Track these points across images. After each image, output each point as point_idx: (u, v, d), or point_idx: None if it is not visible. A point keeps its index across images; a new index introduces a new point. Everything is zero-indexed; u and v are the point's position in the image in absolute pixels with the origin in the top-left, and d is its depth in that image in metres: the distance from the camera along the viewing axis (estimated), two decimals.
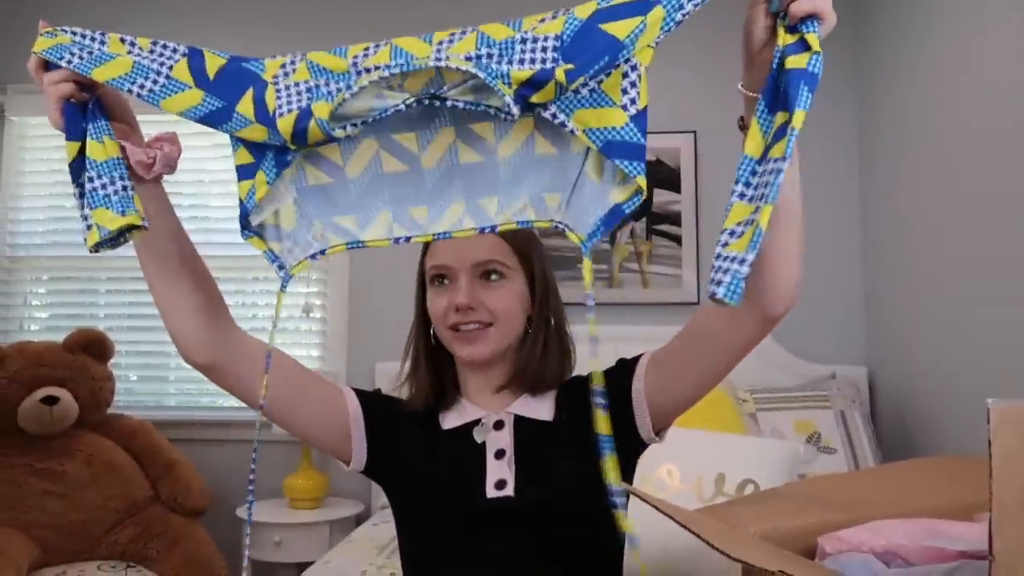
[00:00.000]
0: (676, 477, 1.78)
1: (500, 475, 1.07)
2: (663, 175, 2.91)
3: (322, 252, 0.89)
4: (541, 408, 1.14)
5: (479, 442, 1.10)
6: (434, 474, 1.11)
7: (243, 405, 3.29)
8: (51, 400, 2.36)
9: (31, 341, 2.59)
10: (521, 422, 1.12)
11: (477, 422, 1.13)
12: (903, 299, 2.46)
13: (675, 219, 2.89)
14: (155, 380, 3.10)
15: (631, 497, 0.97)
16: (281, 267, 0.89)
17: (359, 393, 1.16)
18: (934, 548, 0.76)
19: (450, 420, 1.15)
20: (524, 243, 1.14)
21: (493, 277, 1.10)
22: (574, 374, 1.19)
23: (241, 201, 0.89)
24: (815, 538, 0.97)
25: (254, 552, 2.60)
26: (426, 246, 1.15)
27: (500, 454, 1.09)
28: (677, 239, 2.88)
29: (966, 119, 2.03)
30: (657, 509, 0.81)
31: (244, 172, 0.92)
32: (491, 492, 1.06)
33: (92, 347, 2.55)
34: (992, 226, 1.90)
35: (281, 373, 1.06)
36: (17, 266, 3.16)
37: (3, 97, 3.12)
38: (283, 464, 2.90)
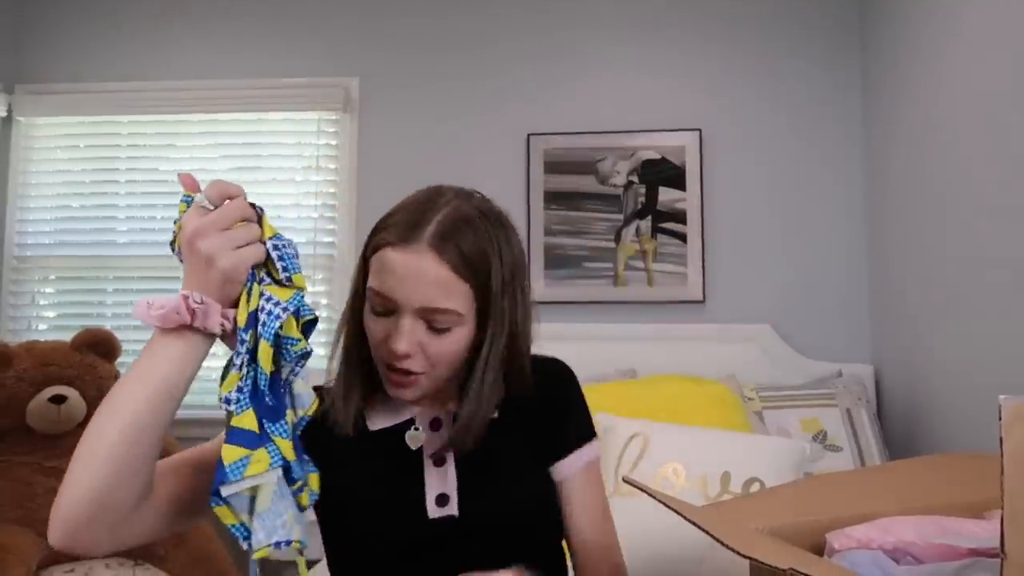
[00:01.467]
0: (682, 475, 1.78)
1: (441, 487, 0.98)
2: (668, 173, 2.90)
3: (287, 543, 0.81)
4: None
5: (414, 448, 1.00)
6: (364, 490, 0.98)
7: None
8: (59, 399, 2.37)
9: (39, 340, 2.60)
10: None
11: (410, 422, 1.02)
12: (909, 296, 2.46)
13: (680, 217, 2.89)
14: None
15: (627, 500, 0.97)
16: (249, 545, 0.80)
17: None
18: (944, 545, 0.76)
19: (378, 418, 1.03)
20: (484, 277, 0.94)
21: (439, 326, 0.93)
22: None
23: (222, 465, 0.76)
24: (823, 535, 0.97)
25: None
26: (372, 250, 0.98)
27: (439, 460, 1.00)
28: (682, 237, 2.88)
29: (974, 115, 2.03)
30: (665, 505, 0.81)
31: (240, 438, 0.79)
32: (432, 511, 0.97)
33: (99, 346, 2.55)
34: (999, 222, 1.90)
35: (181, 477, 0.90)
36: (25, 265, 3.17)
37: (11, 97, 3.13)
38: None
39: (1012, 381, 1.85)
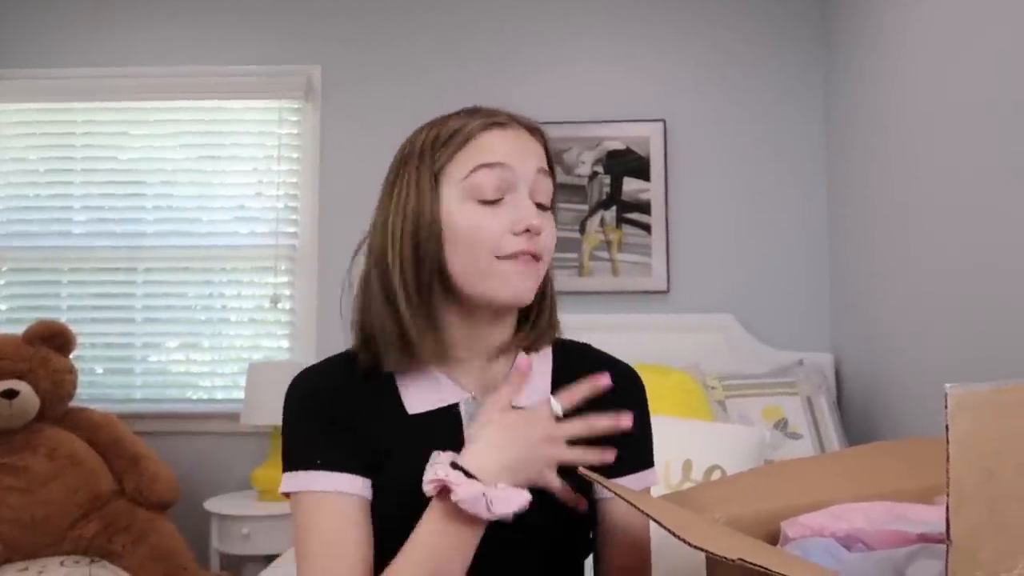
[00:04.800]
0: None
1: None
2: (633, 164, 2.91)
3: None
4: (532, 390, 0.92)
5: (468, 433, 0.86)
6: (399, 482, 0.85)
7: (212, 397, 3.21)
8: (11, 393, 2.31)
9: None
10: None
11: (453, 407, 0.89)
12: (869, 287, 2.49)
13: (645, 208, 2.89)
14: (121, 373, 3.05)
15: None
16: None
17: (336, 466, 0.86)
18: (895, 532, 0.77)
19: (417, 400, 0.89)
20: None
21: (546, 199, 0.91)
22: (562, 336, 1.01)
23: None
24: (778, 523, 0.97)
25: (222, 544, 2.57)
26: (459, 144, 0.88)
27: None
28: (647, 227, 2.89)
29: (933, 107, 2.05)
30: (621, 498, 0.81)
31: None
32: None
33: (53, 339, 2.49)
34: (954, 214, 1.93)
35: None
36: None
37: None
38: (252, 455, 2.87)
39: (966, 369, 1.88)
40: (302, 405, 0.89)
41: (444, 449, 0.83)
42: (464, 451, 0.80)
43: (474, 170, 0.86)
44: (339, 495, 0.84)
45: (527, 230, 0.86)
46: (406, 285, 0.86)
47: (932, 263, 2.05)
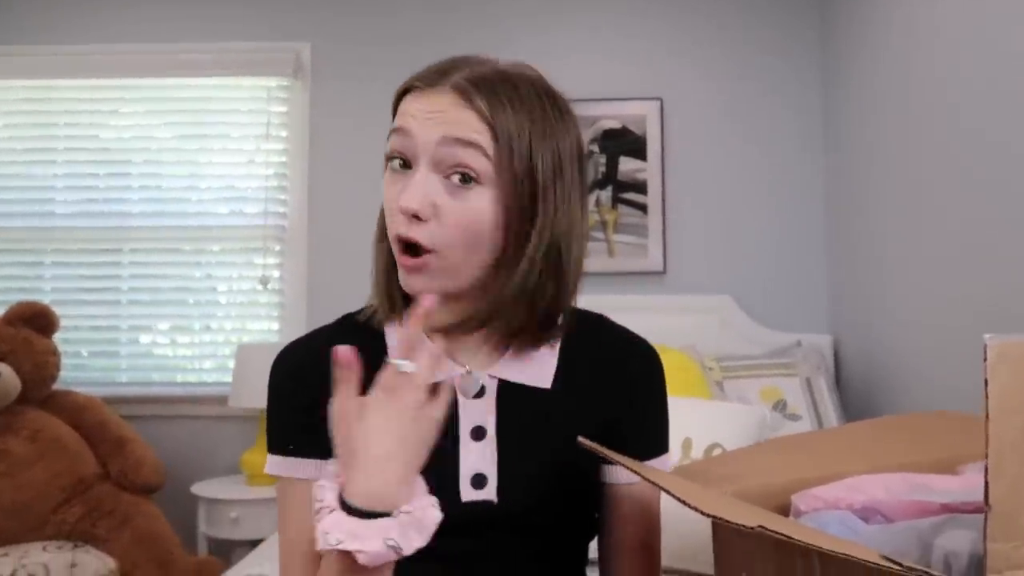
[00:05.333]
0: None
1: (478, 467, 0.82)
2: (629, 143, 2.86)
3: None
4: (538, 367, 0.85)
5: (468, 396, 0.83)
6: None
7: (198, 380, 3.15)
8: None
9: None
10: (508, 389, 0.84)
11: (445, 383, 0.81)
12: (866, 267, 2.45)
13: (641, 188, 2.84)
14: (106, 355, 2.98)
15: None
16: None
17: (291, 456, 0.83)
18: (916, 502, 0.72)
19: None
20: (516, 142, 0.77)
21: (460, 175, 0.76)
22: (581, 306, 0.90)
23: None
24: (788, 496, 0.93)
25: (210, 528, 2.52)
26: (395, 104, 0.83)
27: (479, 433, 0.83)
28: (643, 208, 2.84)
29: (931, 82, 2.01)
30: (627, 468, 0.76)
31: None
32: (467, 493, 0.81)
33: (35, 320, 2.43)
34: (954, 192, 1.89)
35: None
36: None
37: None
38: (240, 439, 2.82)
39: (963, 349, 1.85)
40: (281, 386, 0.85)
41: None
42: (348, 476, 0.67)
43: (390, 135, 0.80)
44: (312, 482, 0.77)
45: (401, 211, 0.75)
46: (375, 254, 0.85)
47: (931, 242, 2.01)
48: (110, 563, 2.21)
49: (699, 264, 2.83)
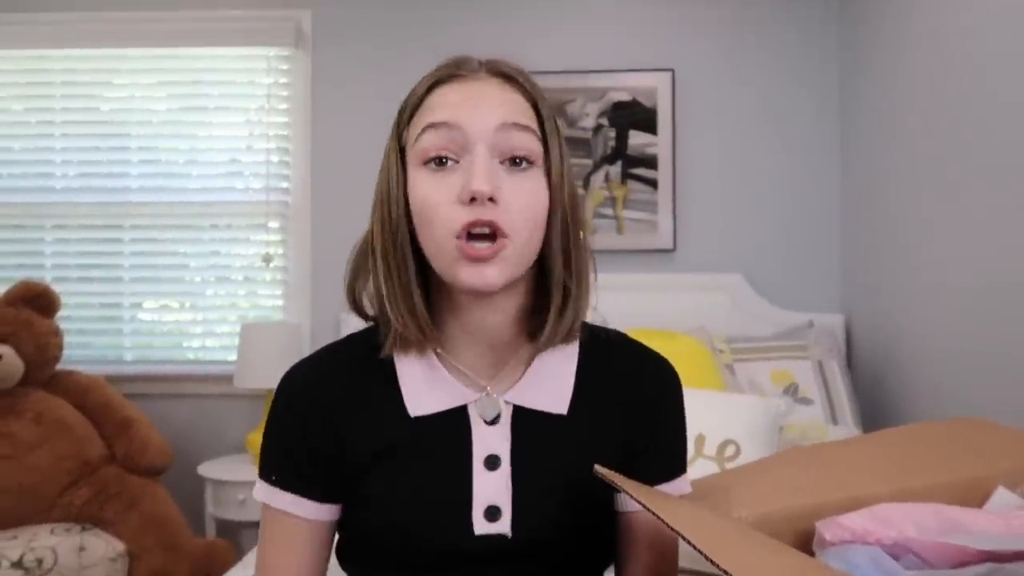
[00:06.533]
0: None
1: (492, 499, 0.78)
2: (639, 116, 2.78)
3: None
4: (555, 389, 0.81)
5: (486, 420, 0.79)
6: (400, 492, 0.78)
7: (205, 358, 3.12)
8: None
9: None
10: (523, 416, 0.80)
11: (462, 410, 0.80)
12: (880, 245, 2.40)
13: (651, 162, 2.78)
14: (110, 333, 2.96)
15: None
16: None
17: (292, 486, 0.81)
18: (953, 546, 0.69)
19: (420, 399, 0.79)
20: (547, 109, 0.78)
21: (520, 156, 0.74)
22: (591, 320, 0.85)
23: None
24: (812, 522, 0.90)
25: (217, 509, 2.52)
26: (411, 110, 0.78)
27: (493, 463, 0.79)
28: (653, 183, 2.77)
29: (951, 61, 1.93)
30: (640, 503, 0.72)
31: None
32: (480, 526, 0.77)
33: (36, 300, 2.40)
34: (969, 174, 1.83)
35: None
36: None
37: None
38: (246, 419, 2.80)
39: (977, 330, 1.80)
40: (280, 416, 0.83)
41: (450, 455, 0.74)
42: None
43: (421, 133, 0.75)
44: (289, 517, 0.81)
45: (473, 199, 0.71)
46: (388, 270, 0.77)
47: (949, 220, 1.96)
48: (118, 546, 2.21)
49: (710, 241, 2.77)
